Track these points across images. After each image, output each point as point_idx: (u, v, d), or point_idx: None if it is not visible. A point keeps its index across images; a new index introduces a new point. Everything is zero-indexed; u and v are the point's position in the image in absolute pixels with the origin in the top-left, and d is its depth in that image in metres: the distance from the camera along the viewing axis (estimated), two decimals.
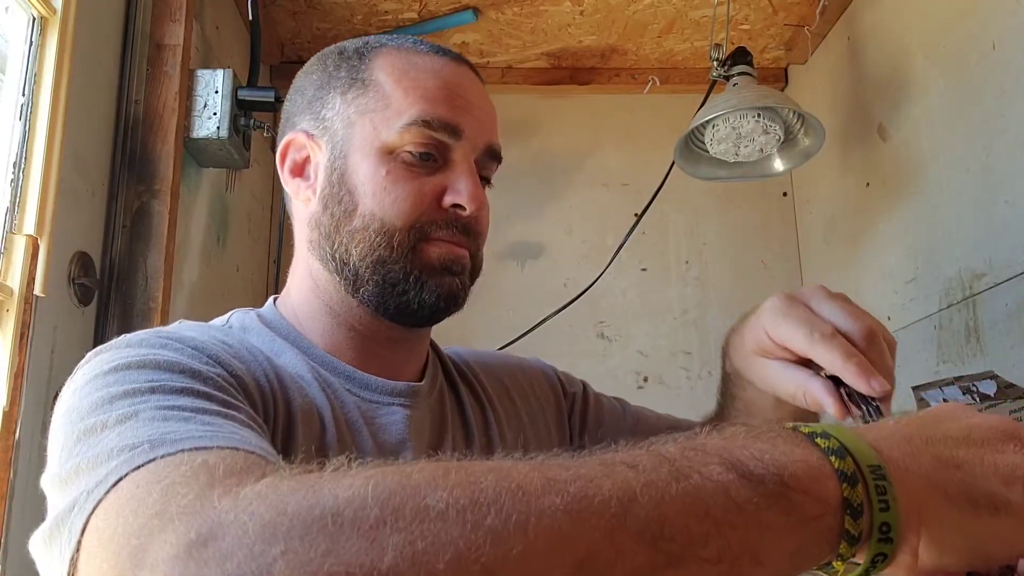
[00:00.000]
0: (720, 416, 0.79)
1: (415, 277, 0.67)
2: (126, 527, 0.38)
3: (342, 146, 0.69)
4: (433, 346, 0.80)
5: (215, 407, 0.50)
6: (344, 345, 0.70)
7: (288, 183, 0.73)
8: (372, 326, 0.70)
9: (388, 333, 0.71)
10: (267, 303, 0.75)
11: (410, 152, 0.67)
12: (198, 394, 0.51)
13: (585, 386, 0.89)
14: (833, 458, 0.37)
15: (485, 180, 0.73)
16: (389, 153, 0.67)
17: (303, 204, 0.72)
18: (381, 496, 0.33)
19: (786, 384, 0.62)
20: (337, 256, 0.68)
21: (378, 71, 0.69)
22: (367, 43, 0.73)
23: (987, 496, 0.38)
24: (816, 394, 0.59)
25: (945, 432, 0.41)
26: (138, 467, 0.42)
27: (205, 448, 0.43)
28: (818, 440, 0.38)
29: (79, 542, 0.42)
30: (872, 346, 0.57)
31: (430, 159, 0.67)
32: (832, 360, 0.56)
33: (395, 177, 0.67)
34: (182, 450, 0.43)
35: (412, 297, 0.67)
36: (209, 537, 0.34)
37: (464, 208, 0.67)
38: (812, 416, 0.67)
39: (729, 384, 0.75)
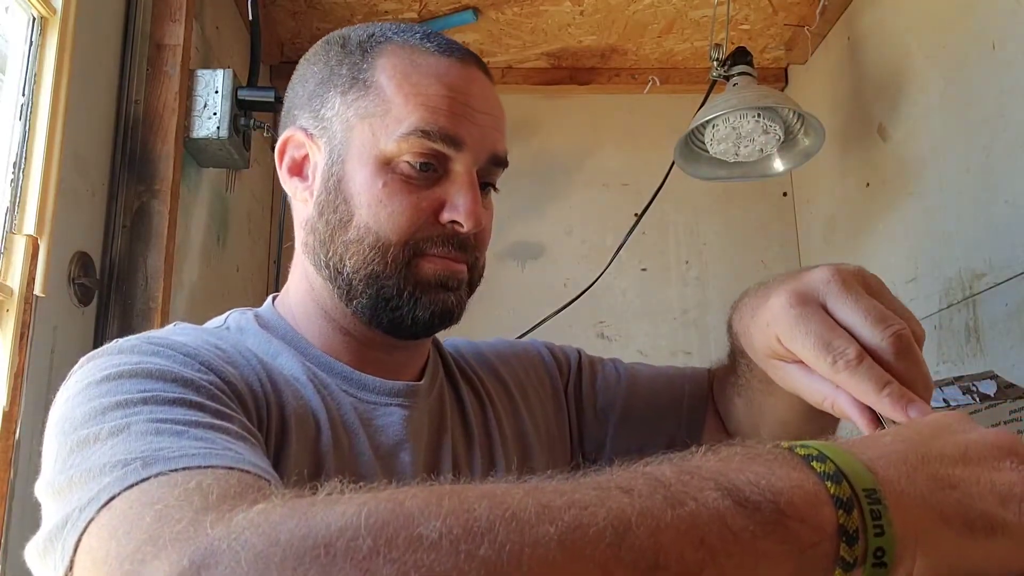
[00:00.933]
0: (735, 378, 0.74)
1: (409, 293, 0.66)
2: (119, 550, 0.38)
3: (340, 150, 0.67)
4: (435, 343, 0.79)
5: (208, 419, 0.50)
6: (341, 347, 0.70)
7: (286, 182, 0.71)
8: (367, 333, 0.69)
9: (384, 340, 0.70)
10: (266, 302, 0.74)
11: (408, 163, 0.65)
12: (190, 404, 0.51)
13: (580, 359, 0.87)
14: (829, 483, 0.37)
15: (489, 186, 0.71)
16: (387, 163, 0.65)
17: (301, 204, 0.70)
18: (374, 526, 0.33)
19: (811, 394, 0.56)
20: (331, 264, 0.67)
21: (380, 72, 0.67)
22: (372, 36, 0.70)
23: (983, 517, 0.38)
24: (845, 409, 0.53)
25: (942, 449, 0.40)
26: (131, 486, 0.42)
27: (199, 468, 0.43)
28: (814, 464, 0.38)
29: (72, 560, 0.42)
30: (904, 359, 0.50)
31: (429, 169, 0.65)
32: (862, 392, 0.50)
33: (392, 190, 0.65)
34: (175, 470, 0.42)
35: (405, 313, 0.66)
36: (202, 566, 0.34)
37: (462, 225, 0.66)
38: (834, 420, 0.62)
39: (742, 357, 0.69)
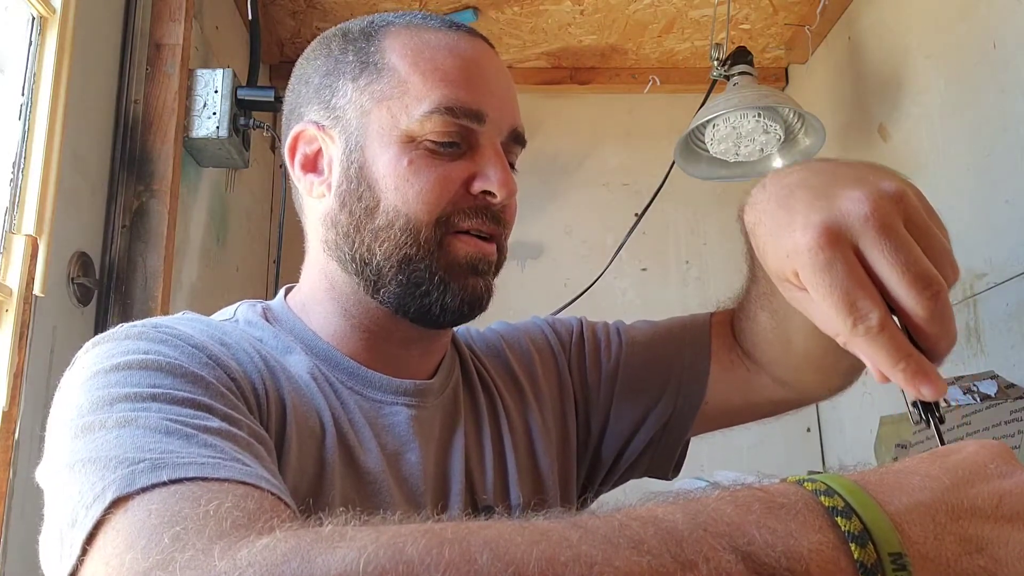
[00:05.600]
0: (756, 287, 0.70)
1: (439, 278, 0.64)
2: (133, 565, 0.38)
3: (357, 137, 0.65)
4: (453, 339, 0.78)
5: (217, 423, 0.49)
6: (355, 345, 0.68)
7: (300, 179, 0.69)
8: (388, 327, 0.68)
9: (405, 333, 0.68)
10: (278, 295, 0.73)
11: (432, 141, 0.64)
12: (199, 406, 0.50)
13: (582, 330, 0.84)
14: (853, 546, 0.34)
15: (510, 165, 0.69)
16: (410, 142, 0.64)
17: (317, 200, 0.68)
18: (373, 574, 0.33)
19: (823, 325, 0.51)
20: (358, 256, 0.65)
21: (390, 53, 0.65)
22: (372, 22, 0.69)
23: None
24: (856, 353, 0.49)
25: (974, 500, 0.37)
26: (143, 489, 0.42)
27: (213, 480, 0.43)
28: (839, 520, 0.35)
29: (80, 559, 0.42)
30: (935, 322, 0.46)
31: (454, 146, 0.64)
32: (877, 362, 0.47)
33: (418, 166, 0.63)
34: (187, 478, 0.42)
35: (434, 300, 0.64)
36: None
37: (495, 195, 0.64)
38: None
39: (755, 256, 0.61)
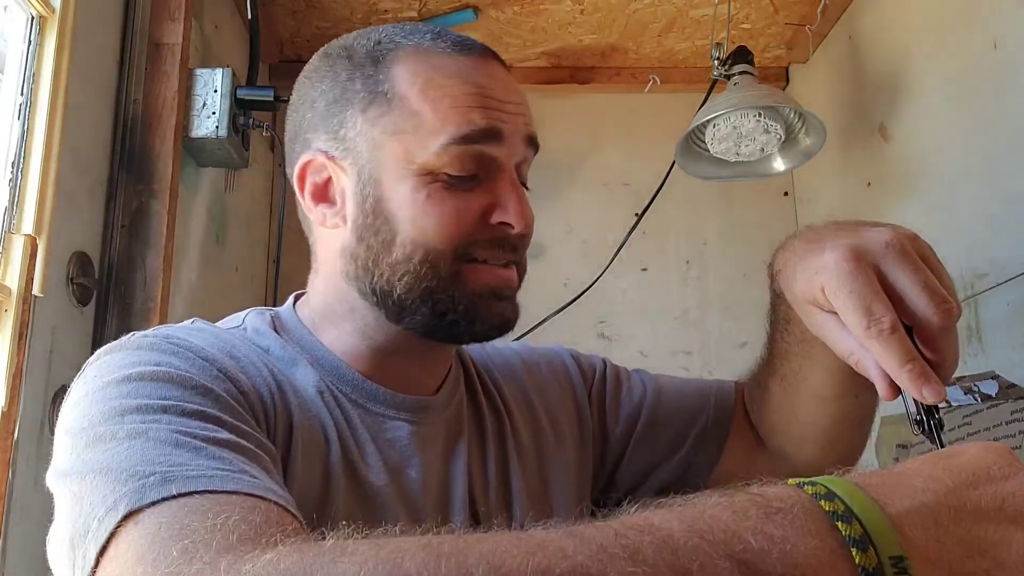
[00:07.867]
0: (771, 350, 0.74)
1: (464, 307, 0.64)
2: None
3: (371, 170, 0.64)
4: (458, 353, 0.78)
5: (225, 435, 0.50)
6: (364, 361, 0.68)
7: (311, 210, 0.68)
8: (405, 345, 0.68)
9: (420, 351, 0.68)
10: (287, 302, 0.73)
11: (449, 174, 0.63)
12: (209, 418, 0.51)
13: (605, 369, 0.85)
14: (854, 550, 0.34)
15: (522, 184, 0.70)
16: (427, 174, 0.63)
17: (331, 231, 0.67)
18: None
19: (839, 345, 0.57)
20: (378, 289, 0.65)
21: (399, 82, 0.64)
22: (379, 44, 0.66)
23: None
24: (868, 370, 0.55)
25: (977, 501, 0.37)
26: (154, 503, 0.43)
27: (222, 492, 0.44)
28: (839, 525, 0.35)
29: (94, 570, 0.43)
30: (946, 335, 0.52)
31: (472, 179, 0.64)
32: (886, 362, 0.51)
33: (435, 199, 0.63)
34: (196, 491, 0.44)
35: (463, 328, 0.65)
36: None
37: (512, 227, 0.65)
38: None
39: (782, 305, 0.68)
